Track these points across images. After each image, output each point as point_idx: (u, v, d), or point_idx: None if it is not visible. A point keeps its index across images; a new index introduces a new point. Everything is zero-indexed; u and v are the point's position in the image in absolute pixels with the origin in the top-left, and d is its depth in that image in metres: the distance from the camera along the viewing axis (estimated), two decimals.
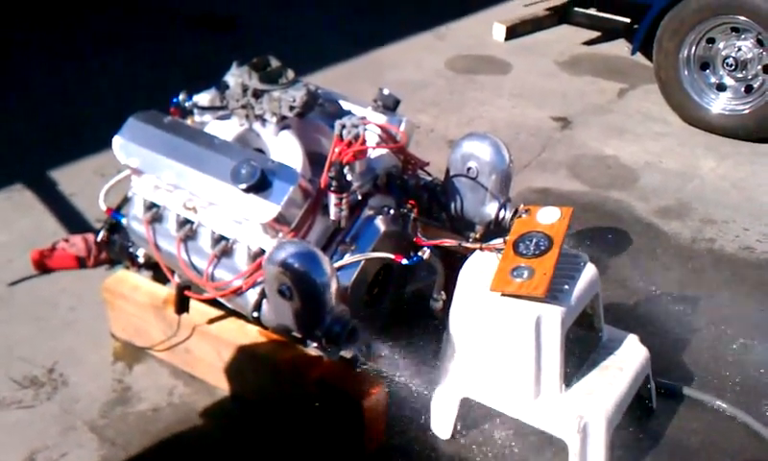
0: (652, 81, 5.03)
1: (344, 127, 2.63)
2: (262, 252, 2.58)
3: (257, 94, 2.75)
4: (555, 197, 3.99)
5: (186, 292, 2.70)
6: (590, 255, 2.59)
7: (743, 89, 4.63)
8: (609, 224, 3.81)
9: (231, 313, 2.75)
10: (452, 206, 2.92)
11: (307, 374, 2.52)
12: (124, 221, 2.94)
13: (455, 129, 4.64)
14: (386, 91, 2.89)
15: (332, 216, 2.60)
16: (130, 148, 2.77)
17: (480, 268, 2.52)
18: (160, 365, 2.89)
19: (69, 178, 4.08)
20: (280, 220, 2.50)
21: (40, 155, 4.29)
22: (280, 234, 2.55)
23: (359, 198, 2.71)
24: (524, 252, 2.44)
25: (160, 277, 2.90)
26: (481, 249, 2.59)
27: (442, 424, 2.60)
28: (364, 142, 2.63)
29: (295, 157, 2.68)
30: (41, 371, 2.87)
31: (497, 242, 2.56)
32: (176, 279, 2.76)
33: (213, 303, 2.75)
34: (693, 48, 4.67)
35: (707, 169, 4.36)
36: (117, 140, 2.80)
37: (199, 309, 2.75)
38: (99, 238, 3.03)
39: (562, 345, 2.35)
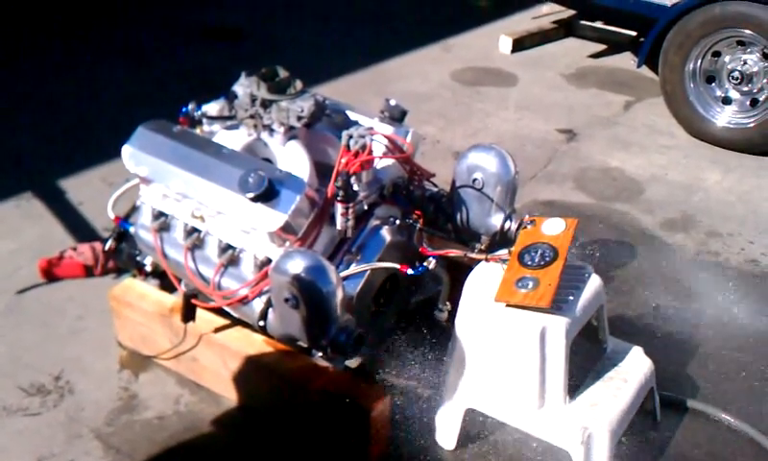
0: (658, 94, 5.04)
1: (351, 137, 2.64)
2: (269, 261, 2.60)
3: (266, 104, 2.77)
4: (560, 209, 4.00)
5: (193, 301, 2.71)
6: (595, 267, 2.60)
7: (748, 103, 4.63)
8: (614, 236, 3.82)
9: (238, 322, 2.76)
10: (458, 216, 2.93)
11: (313, 383, 2.53)
12: (132, 230, 2.96)
13: (461, 140, 4.66)
14: (393, 102, 2.91)
15: (339, 226, 2.61)
16: (139, 157, 2.80)
17: (485, 279, 2.53)
18: (166, 373, 2.90)
19: (77, 186, 4.11)
20: (287, 229, 2.52)
21: (49, 164, 4.32)
22: (287, 243, 2.57)
23: (365, 208, 2.72)
24: (529, 263, 2.45)
25: (167, 285, 2.92)
26: (486, 259, 2.60)
27: (446, 434, 2.60)
28: (371, 152, 2.65)
29: (302, 167, 2.70)
30: (48, 378, 2.88)
31: (502, 253, 2.57)
32: (182, 288, 2.77)
33: (219, 311, 2.77)
34: (699, 61, 4.69)
35: (712, 182, 4.37)
36: (126, 149, 2.82)
37: (205, 318, 2.76)
38: (106, 247, 3.05)
39: (566, 356, 2.36)
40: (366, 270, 2.64)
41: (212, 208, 2.67)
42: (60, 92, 5.19)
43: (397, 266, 2.62)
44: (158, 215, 2.86)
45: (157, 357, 2.90)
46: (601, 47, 6.25)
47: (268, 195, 2.51)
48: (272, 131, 2.79)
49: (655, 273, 3.53)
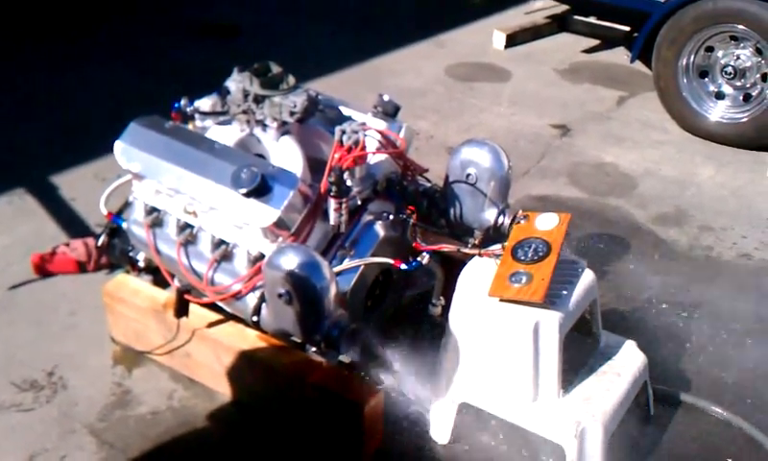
0: (651, 89, 5.05)
1: (344, 132, 2.64)
2: (262, 256, 2.60)
3: (258, 100, 2.77)
4: (554, 204, 4.00)
5: (186, 296, 2.71)
6: (588, 262, 2.60)
7: (741, 98, 4.64)
8: (607, 230, 3.82)
9: (231, 317, 2.76)
10: (451, 211, 2.93)
11: (306, 378, 2.53)
12: (124, 225, 2.95)
13: (454, 135, 4.66)
14: (386, 98, 2.91)
15: (332, 221, 2.61)
16: (131, 153, 2.79)
17: (479, 273, 2.53)
18: (160, 369, 2.90)
19: (70, 182, 4.10)
20: (280, 224, 2.52)
21: (41, 159, 4.31)
22: (280, 239, 2.57)
23: (359, 203, 2.72)
24: (522, 257, 2.45)
25: (160, 281, 2.91)
26: (480, 254, 2.61)
27: (440, 428, 2.61)
28: (364, 148, 2.65)
29: (295, 163, 2.70)
30: (41, 374, 2.88)
31: (496, 248, 2.58)
32: (176, 284, 2.77)
33: (213, 307, 2.77)
34: (692, 56, 4.69)
35: (705, 177, 4.37)
36: (119, 145, 2.81)
37: (198, 313, 2.76)
38: (99, 242, 3.04)
39: (560, 350, 2.36)
40: (359, 265, 2.64)
41: (205, 204, 2.66)
42: (53, 88, 5.17)
43: (391, 261, 2.62)
44: (151, 211, 2.85)
45: (151, 353, 2.90)
46: (594, 42, 6.25)
47: (261, 190, 2.51)
48: (264, 126, 2.79)
49: (648, 267, 3.54)
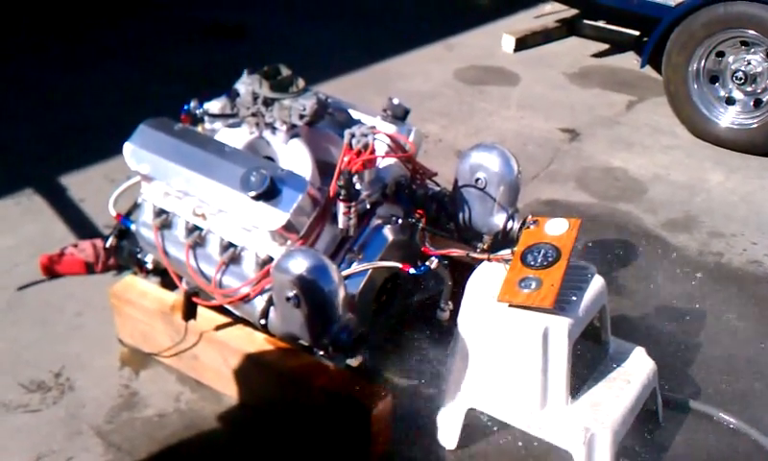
0: (661, 94, 5.03)
1: (353, 136, 2.64)
2: (270, 259, 2.59)
3: (268, 102, 2.77)
4: (563, 208, 3.99)
5: (194, 298, 2.71)
6: (598, 267, 2.59)
7: (752, 103, 4.62)
8: (616, 236, 3.81)
9: (239, 320, 2.75)
10: (460, 216, 2.92)
11: (314, 381, 2.53)
12: (133, 227, 2.96)
13: (463, 139, 4.65)
14: (395, 101, 2.90)
15: (341, 225, 2.61)
16: (140, 154, 2.79)
17: (488, 278, 2.52)
18: (167, 371, 2.89)
19: (79, 183, 4.11)
20: (289, 228, 2.51)
21: (50, 160, 4.31)
22: (289, 242, 2.56)
23: (367, 207, 2.72)
24: (532, 263, 2.44)
25: (168, 283, 2.91)
26: (489, 259, 2.60)
27: (447, 433, 2.60)
28: (373, 151, 2.64)
29: (304, 166, 2.70)
30: (48, 375, 2.88)
31: (505, 253, 2.56)
32: (184, 286, 2.77)
33: (221, 309, 2.77)
34: (702, 61, 4.67)
35: (715, 182, 4.35)
36: (128, 147, 2.82)
37: (206, 316, 2.75)
38: (107, 244, 3.05)
39: (569, 356, 2.35)
40: (368, 269, 2.63)
41: (214, 206, 2.66)
42: (61, 89, 5.19)
43: (399, 265, 2.62)
44: (160, 213, 2.85)
45: (158, 355, 2.90)
46: (604, 47, 6.24)
47: (270, 194, 2.50)
48: (274, 129, 2.78)
49: (657, 273, 3.52)
